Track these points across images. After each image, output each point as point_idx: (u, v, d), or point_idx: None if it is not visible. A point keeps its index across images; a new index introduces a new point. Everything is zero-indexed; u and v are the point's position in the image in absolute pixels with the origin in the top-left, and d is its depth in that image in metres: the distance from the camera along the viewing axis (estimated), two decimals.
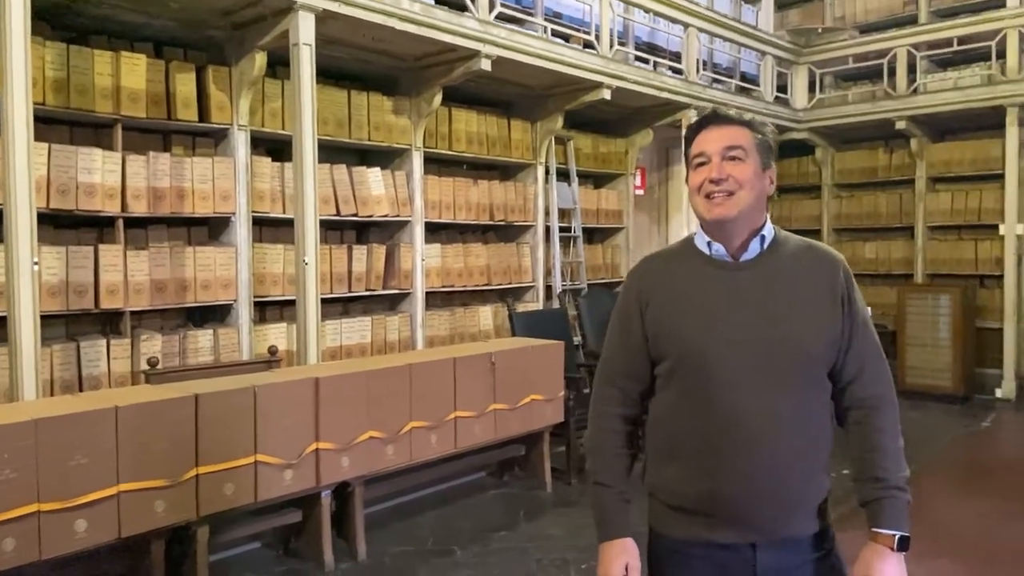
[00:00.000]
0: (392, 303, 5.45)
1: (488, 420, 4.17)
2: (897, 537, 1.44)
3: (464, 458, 4.24)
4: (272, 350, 4.16)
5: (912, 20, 7.97)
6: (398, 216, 5.24)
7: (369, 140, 5.06)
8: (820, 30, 8.18)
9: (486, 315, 5.90)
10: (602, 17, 5.80)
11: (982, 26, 7.12)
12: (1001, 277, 7.23)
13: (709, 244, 1.55)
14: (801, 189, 8.90)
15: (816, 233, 8.84)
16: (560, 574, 3.50)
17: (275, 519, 3.47)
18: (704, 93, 6.81)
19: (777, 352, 1.45)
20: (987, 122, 7.44)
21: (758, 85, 7.72)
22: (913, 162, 8.07)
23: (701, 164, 1.52)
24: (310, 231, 4.02)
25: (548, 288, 6.37)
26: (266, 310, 4.72)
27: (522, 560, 3.64)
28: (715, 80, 7.26)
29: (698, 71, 6.78)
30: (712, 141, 1.50)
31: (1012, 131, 6.96)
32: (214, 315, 4.43)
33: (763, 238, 1.52)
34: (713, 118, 1.54)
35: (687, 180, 1.59)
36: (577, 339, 5.84)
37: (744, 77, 7.69)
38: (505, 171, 6.29)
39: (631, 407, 1.63)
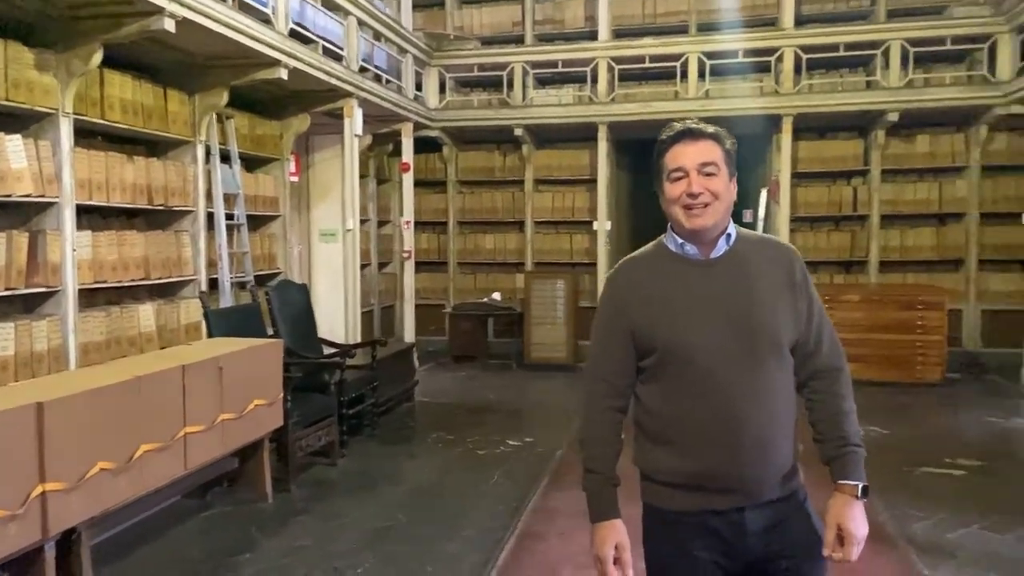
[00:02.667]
0: (31, 304, 4.37)
1: (217, 432, 3.68)
2: (860, 487, 1.64)
3: (188, 479, 3.67)
4: None
5: (520, 39, 9.07)
6: (43, 196, 4.22)
7: (7, 99, 3.97)
8: (452, 36, 8.81)
9: (147, 315, 5.09)
10: None
11: (579, 54, 8.48)
12: (594, 264, 8.73)
13: (682, 246, 1.71)
14: (429, 183, 9.48)
15: (444, 225, 9.53)
16: None
17: None
18: (364, 84, 6.84)
19: (750, 336, 1.62)
20: (579, 135, 8.89)
21: (392, 79, 7.96)
22: (523, 165, 9.23)
23: (679, 178, 1.66)
24: None
25: (212, 282, 5.75)
26: None
27: None
28: (363, 69, 7.31)
29: (357, 61, 6.78)
30: (688, 156, 1.65)
31: (603, 144, 8.45)
32: None
33: (729, 236, 1.70)
34: (687, 133, 1.68)
35: (658, 189, 1.74)
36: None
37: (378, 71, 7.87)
38: (161, 148, 5.47)
39: (619, 399, 1.75)
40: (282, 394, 4.27)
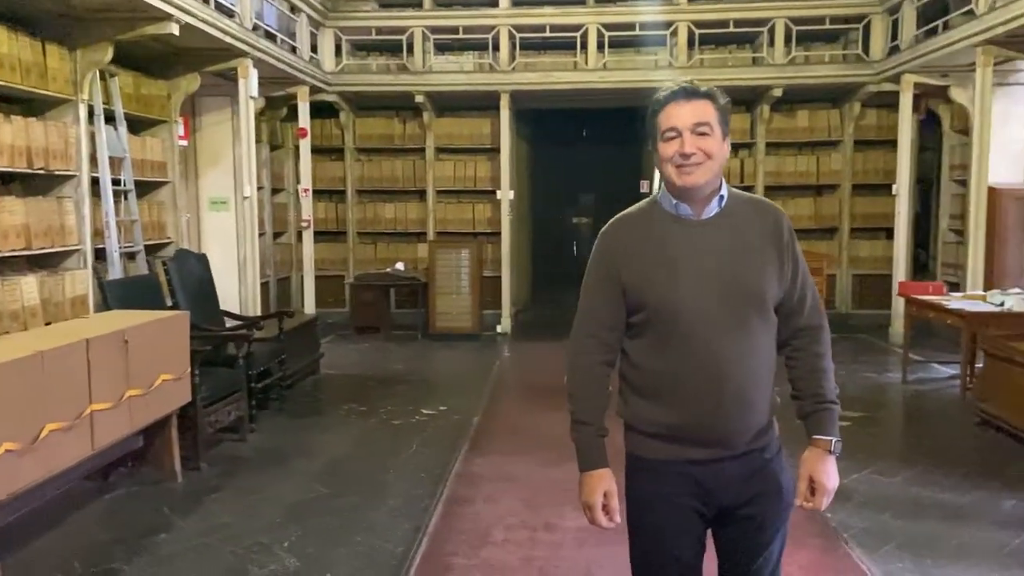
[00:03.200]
0: None
1: (124, 410, 3.47)
2: (833, 442, 1.72)
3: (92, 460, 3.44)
4: None
5: (419, 3, 8.86)
6: None
7: None
8: None
9: (30, 287, 4.69)
10: None
11: (480, 20, 8.40)
12: (498, 234, 8.77)
13: (676, 205, 1.72)
14: (326, 151, 9.18)
15: (342, 194, 9.28)
16: (270, 558, 3.21)
17: None
18: (260, 43, 6.52)
19: (737, 296, 1.66)
20: (481, 103, 8.84)
21: (286, 40, 7.62)
22: (423, 133, 9.10)
23: (672, 138, 1.68)
24: None
25: (98, 252, 5.36)
26: None
27: (216, 556, 3.21)
28: (255, 28, 6.96)
29: (251, 18, 6.44)
30: (682, 116, 1.67)
31: (505, 113, 8.45)
32: None
33: (721, 197, 1.72)
34: (681, 93, 1.69)
35: (653, 148, 1.75)
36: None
37: (267, 32, 7.51)
38: (40, 106, 5.02)
39: (608, 353, 1.78)
40: (189, 368, 4.07)
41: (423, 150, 9.14)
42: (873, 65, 8.03)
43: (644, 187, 9.07)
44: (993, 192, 6.89)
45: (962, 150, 7.80)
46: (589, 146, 12.23)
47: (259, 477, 4.19)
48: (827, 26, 8.22)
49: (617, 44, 8.41)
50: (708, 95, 1.70)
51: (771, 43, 8.23)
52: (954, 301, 5.64)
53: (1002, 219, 7.16)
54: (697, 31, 8.21)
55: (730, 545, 1.77)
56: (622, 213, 1.83)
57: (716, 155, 1.67)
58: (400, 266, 8.69)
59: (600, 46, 8.27)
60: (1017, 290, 5.83)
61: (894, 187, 7.87)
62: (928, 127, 8.46)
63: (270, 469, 4.32)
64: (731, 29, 8.27)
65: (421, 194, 9.23)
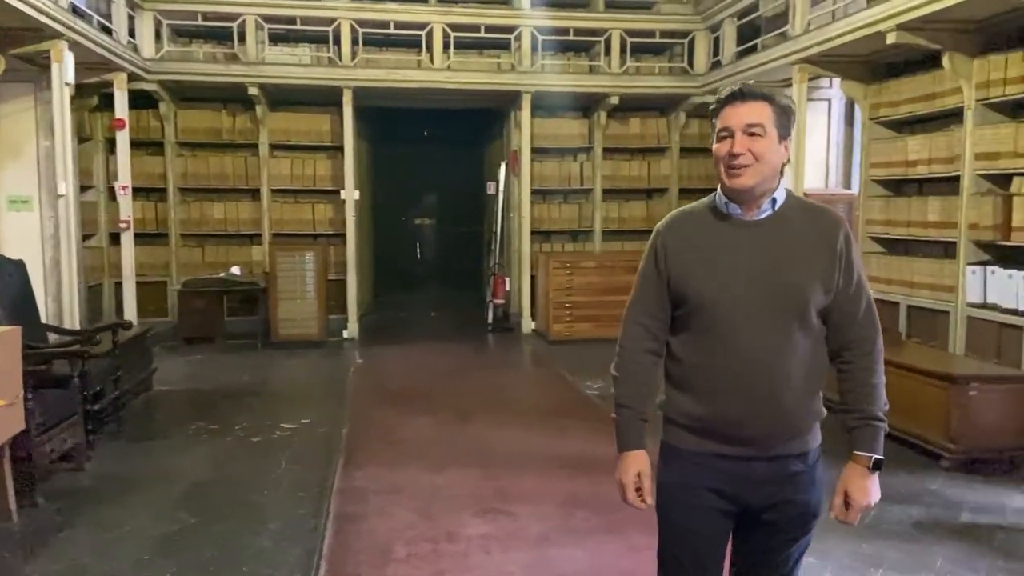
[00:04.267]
0: None
1: None
2: (873, 459, 1.71)
3: None
4: None
5: None
6: None
7: None
8: None
9: None
10: None
11: (318, 12, 8.03)
12: (340, 235, 8.43)
13: (727, 204, 1.75)
14: (143, 144, 8.33)
15: (162, 192, 8.48)
16: None
17: None
18: (77, 24, 5.79)
19: (778, 296, 1.67)
20: (319, 99, 8.47)
21: (102, 20, 6.84)
22: (256, 127, 8.55)
23: (724, 137, 1.70)
24: None
25: None
26: None
27: None
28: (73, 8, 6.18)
29: None
30: (735, 116, 1.69)
31: (348, 109, 8.14)
32: None
33: (775, 200, 1.72)
34: (739, 95, 1.70)
35: (712, 148, 1.76)
36: None
37: (75, 8, 6.71)
38: None
39: (653, 342, 1.82)
40: (22, 392, 3.51)
41: (256, 146, 8.59)
42: (697, 78, 8.64)
43: (491, 188, 9.13)
44: (807, 196, 7.62)
45: None
46: (432, 146, 12.12)
47: (111, 510, 3.70)
48: (657, 39, 8.74)
49: (462, 45, 8.39)
50: (765, 97, 1.70)
51: (607, 52, 8.59)
52: None
53: None
54: (540, 37, 8.40)
55: (746, 546, 1.80)
56: (680, 208, 1.88)
57: (767, 157, 1.68)
58: (236, 270, 8.10)
59: (446, 46, 8.21)
60: None
61: None
62: None
63: (122, 500, 3.83)
64: (571, 37, 8.54)
65: (254, 193, 8.66)
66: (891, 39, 5.45)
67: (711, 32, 8.53)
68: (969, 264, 5.35)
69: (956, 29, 5.29)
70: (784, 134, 1.70)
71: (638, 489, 1.77)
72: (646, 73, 8.95)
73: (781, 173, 1.73)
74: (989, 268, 5.24)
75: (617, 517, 3.55)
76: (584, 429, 5.03)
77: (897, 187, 6.59)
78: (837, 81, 7.67)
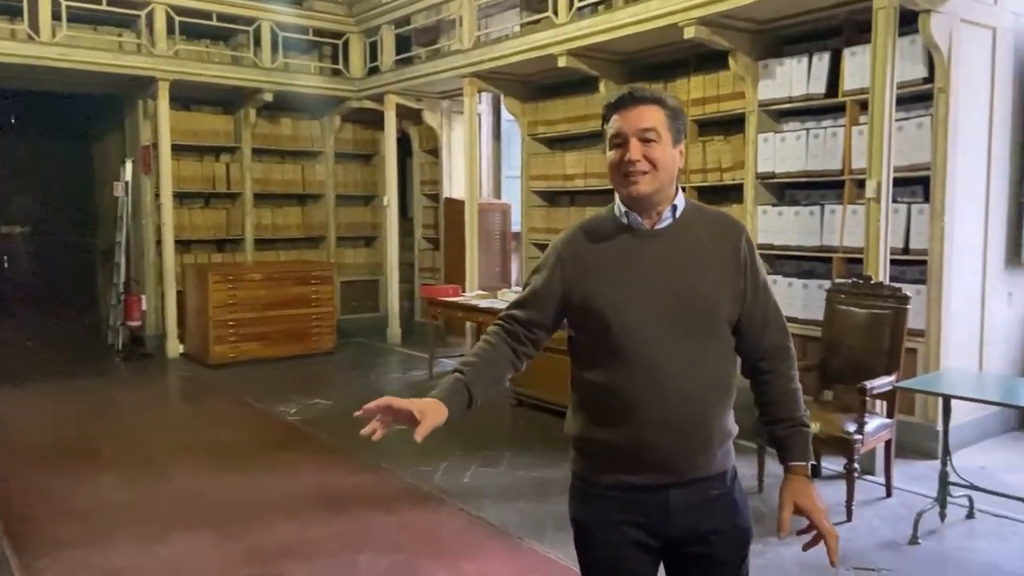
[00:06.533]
0: None
1: None
2: (808, 466, 1.66)
3: None
4: None
5: None
6: None
7: None
8: None
9: None
10: None
11: None
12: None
13: (626, 214, 1.64)
14: None
15: None
16: None
17: None
18: None
19: (686, 309, 1.58)
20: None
21: None
22: None
23: (618, 145, 1.60)
24: None
25: None
26: None
27: None
28: None
29: None
30: (627, 121, 1.58)
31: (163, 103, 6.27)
32: None
33: (675, 208, 1.63)
34: (628, 98, 1.59)
35: (606, 155, 1.64)
36: None
37: None
38: None
39: (516, 341, 1.70)
40: None
41: None
42: (355, 82, 8.44)
43: (117, 190, 7.71)
44: (457, 204, 7.84)
45: (431, 168, 8.83)
46: (23, 137, 9.78)
47: None
48: (310, 36, 8.31)
49: (77, 19, 6.95)
50: (656, 99, 1.62)
51: (257, 44, 7.91)
52: (478, 300, 6.38)
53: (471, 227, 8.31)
54: (177, 18, 7.36)
55: None
56: (590, 216, 1.73)
57: (663, 164, 1.59)
58: None
59: (56, 15, 6.71)
60: (520, 289, 6.90)
61: (385, 198, 8.43)
62: (400, 145, 9.30)
63: None
64: (214, 23, 7.65)
65: None
66: (562, 62, 5.99)
67: (367, 36, 8.40)
68: None
69: (609, 59, 6.05)
70: (678, 138, 1.63)
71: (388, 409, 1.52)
72: (302, 71, 8.43)
73: (677, 179, 1.67)
74: None
75: (404, 555, 3.27)
76: (314, 461, 4.53)
77: (553, 198, 7.26)
78: (487, 96, 8.21)
